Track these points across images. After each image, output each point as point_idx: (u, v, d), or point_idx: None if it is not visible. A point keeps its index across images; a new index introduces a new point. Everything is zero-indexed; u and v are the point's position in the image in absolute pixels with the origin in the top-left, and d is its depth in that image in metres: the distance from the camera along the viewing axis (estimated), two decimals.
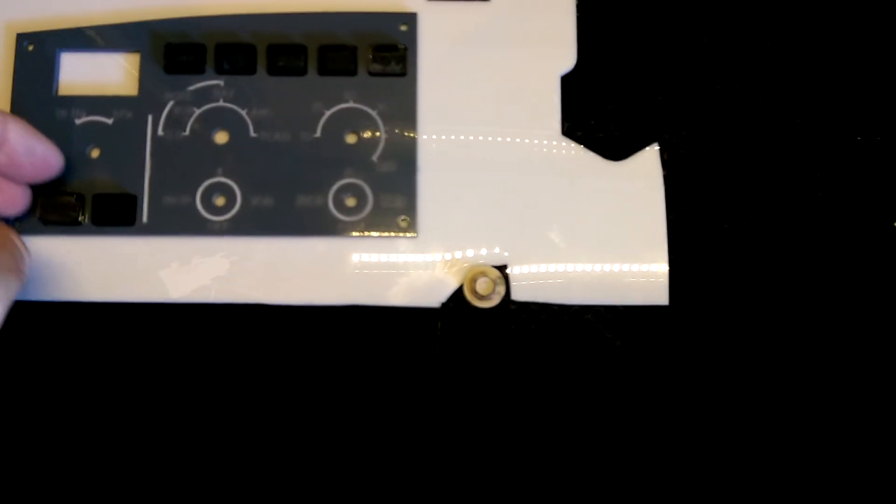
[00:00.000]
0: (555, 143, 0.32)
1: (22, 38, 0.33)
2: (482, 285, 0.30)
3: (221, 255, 0.31)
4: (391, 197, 0.32)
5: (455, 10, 0.33)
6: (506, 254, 0.31)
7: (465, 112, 0.33)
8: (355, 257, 0.31)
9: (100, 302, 0.31)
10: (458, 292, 0.31)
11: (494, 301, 0.31)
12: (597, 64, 0.33)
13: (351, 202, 0.32)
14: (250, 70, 0.32)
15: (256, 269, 0.31)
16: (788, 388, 0.31)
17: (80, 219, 0.31)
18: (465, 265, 0.31)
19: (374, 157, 0.32)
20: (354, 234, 0.31)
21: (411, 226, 0.31)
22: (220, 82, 0.32)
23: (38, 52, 0.33)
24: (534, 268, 0.31)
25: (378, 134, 0.32)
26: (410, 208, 0.32)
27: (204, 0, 0.33)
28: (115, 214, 0.31)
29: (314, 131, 0.32)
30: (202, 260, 0.31)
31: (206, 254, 0.31)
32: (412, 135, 0.32)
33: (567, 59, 0.33)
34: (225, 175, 0.32)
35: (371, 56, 0.32)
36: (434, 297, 0.31)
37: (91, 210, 0.31)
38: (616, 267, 0.31)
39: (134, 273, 0.31)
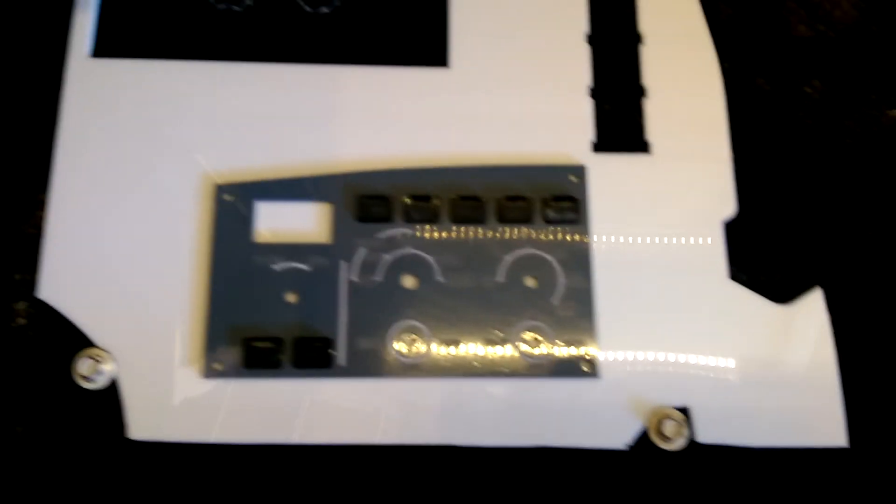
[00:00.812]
0: (722, 287, 0.34)
1: (221, 190, 0.36)
2: (669, 427, 0.32)
3: (414, 395, 0.33)
4: (573, 339, 0.33)
5: (620, 161, 0.36)
6: (686, 395, 0.33)
7: (636, 258, 0.35)
8: (540, 398, 0.33)
9: (300, 445, 0.33)
10: (643, 433, 0.32)
11: (680, 443, 0.32)
12: (758, 209, 0.36)
13: (534, 344, 0.33)
14: (435, 219, 0.35)
15: (447, 409, 0.33)
16: None
17: (280, 362, 0.33)
18: (649, 406, 0.33)
19: (555, 301, 0.34)
20: (539, 375, 0.33)
21: (594, 367, 0.33)
22: (409, 230, 0.35)
23: (237, 201, 0.35)
24: (713, 409, 0.33)
25: (557, 278, 0.34)
26: (592, 350, 0.33)
27: (390, 154, 0.36)
28: (314, 357, 0.33)
29: (497, 276, 0.34)
30: (397, 400, 0.33)
31: (400, 395, 0.33)
32: (588, 279, 0.34)
33: (728, 206, 0.35)
34: (415, 318, 0.34)
35: (547, 205, 0.35)
36: (618, 439, 0.33)
37: (290, 353, 0.33)
38: (792, 407, 0.33)
39: (332, 415, 0.33)
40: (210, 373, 0.33)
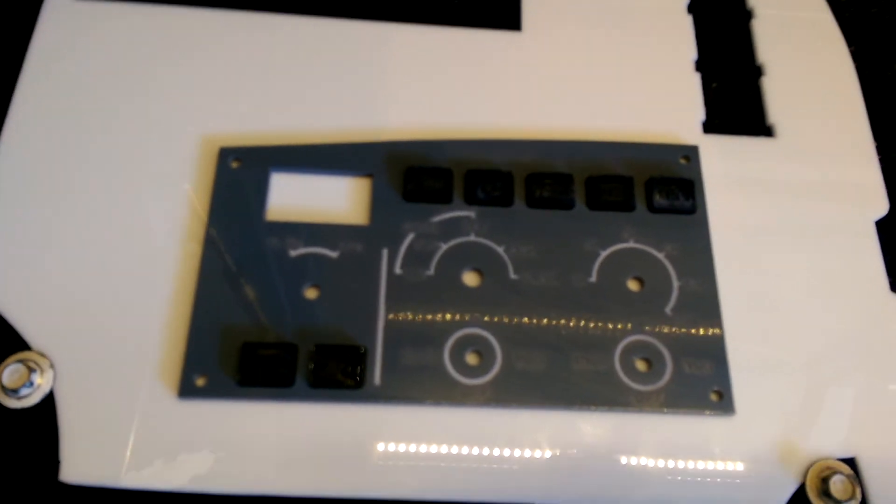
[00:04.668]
0: (884, 300, 0.26)
1: (226, 153, 0.27)
2: (837, 486, 0.23)
3: (478, 431, 0.23)
4: (695, 361, 0.25)
5: (736, 144, 0.29)
6: (851, 441, 0.24)
7: (769, 260, 0.27)
8: (655, 440, 0.24)
9: (313, 497, 0.23)
10: (800, 493, 0.23)
11: None
12: None
13: (642, 366, 0.25)
14: (507, 201, 0.27)
15: (524, 452, 0.23)
16: None
17: (292, 377, 0.24)
18: (804, 456, 0.24)
19: (667, 309, 0.25)
20: (651, 409, 0.24)
21: (726, 401, 0.24)
22: (471, 214, 0.27)
23: (245, 169, 0.27)
24: (889, 461, 0.24)
25: (669, 280, 0.26)
26: (722, 377, 0.24)
27: (447, 123, 0.28)
28: (338, 373, 0.24)
29: (588, 274, 0.26)
30: (453, 437, 0.23)
31: (457, 429, 0.23)
32: (712, 282, 0.26)
33: (879, 203, 0.28)
34: (479, 325, 0.25)
35: (654, 190, 0.27)
36: (767, 499, 0.23)
37: (307, 366, 0.24)
38: None
39: (361, 454, 0.23)
40: (188, 389, 0.23)
